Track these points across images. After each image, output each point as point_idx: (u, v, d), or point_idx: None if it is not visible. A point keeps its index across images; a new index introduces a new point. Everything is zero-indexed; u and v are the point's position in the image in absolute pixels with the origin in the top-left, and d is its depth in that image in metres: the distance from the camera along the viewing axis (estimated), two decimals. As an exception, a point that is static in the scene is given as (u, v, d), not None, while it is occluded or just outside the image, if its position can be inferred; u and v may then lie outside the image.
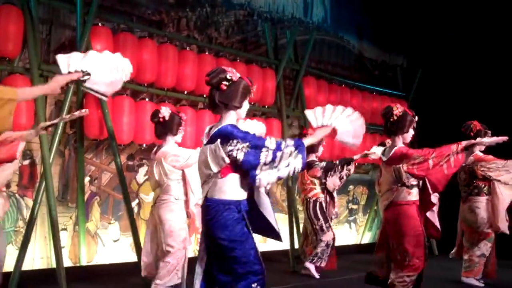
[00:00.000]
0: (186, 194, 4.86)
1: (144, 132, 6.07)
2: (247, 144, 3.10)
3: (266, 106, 7.54)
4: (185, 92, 6.61)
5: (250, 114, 6.78)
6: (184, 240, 4.84)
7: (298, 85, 7.97)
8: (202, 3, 7.36)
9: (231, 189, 3.18)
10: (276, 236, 3.34)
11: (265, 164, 3.09)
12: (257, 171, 3.09)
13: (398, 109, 4.55)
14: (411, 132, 4.55)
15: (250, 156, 3.09)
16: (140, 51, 6.10)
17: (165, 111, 4.88)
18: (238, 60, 7.18)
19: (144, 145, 6.25)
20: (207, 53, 6.81)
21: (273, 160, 3.09)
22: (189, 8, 7.18)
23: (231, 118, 3.28)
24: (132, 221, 5.81)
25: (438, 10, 9.74)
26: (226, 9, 7.69)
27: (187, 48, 6.68)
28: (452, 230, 6.20)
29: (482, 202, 5.92)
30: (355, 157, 6.41)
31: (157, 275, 4.81)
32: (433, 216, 4.59)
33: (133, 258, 6.32)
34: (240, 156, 3.09)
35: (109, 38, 5.89)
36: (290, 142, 3.17)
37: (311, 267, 6.35)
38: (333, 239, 6.44)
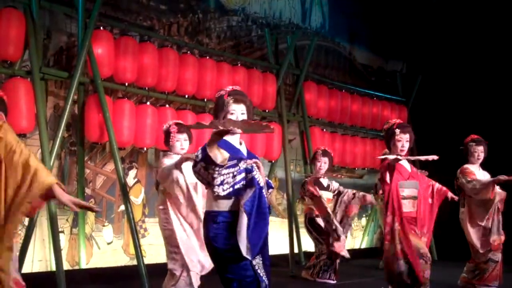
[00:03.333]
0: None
1: (144, 136, 6.07)
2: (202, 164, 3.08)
3: (267, 111, 7.56)
4: (186, 96, 6.63)
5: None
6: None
7: (298, 90, 7.99)
8: (194, 9, 7.36)
9: (210, 200, 3.23)
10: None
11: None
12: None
13: (388, 124, 4.70)
14: (397, 145, 4.59)
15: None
16: (141, 55, 6.11)
17: (166, 124, 4.89)
18: (239, 65, 7.20)
19: (145, 149, 6.26)
20: (207, 57, 6.82)
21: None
22: (180, 14, 7.19)
23: None
24: (131, 224, 5.80)
25: (438, 16, 9.76)
26: (219, 15, 7.69)
27: (188, 52, 6.70)
28: (450, 235, 6.18)
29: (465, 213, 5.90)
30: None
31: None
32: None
33: (126, 260, 6.34)
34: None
35: (110, 42, 5.90)
36: None
37: (324, 281, 6.30)
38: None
